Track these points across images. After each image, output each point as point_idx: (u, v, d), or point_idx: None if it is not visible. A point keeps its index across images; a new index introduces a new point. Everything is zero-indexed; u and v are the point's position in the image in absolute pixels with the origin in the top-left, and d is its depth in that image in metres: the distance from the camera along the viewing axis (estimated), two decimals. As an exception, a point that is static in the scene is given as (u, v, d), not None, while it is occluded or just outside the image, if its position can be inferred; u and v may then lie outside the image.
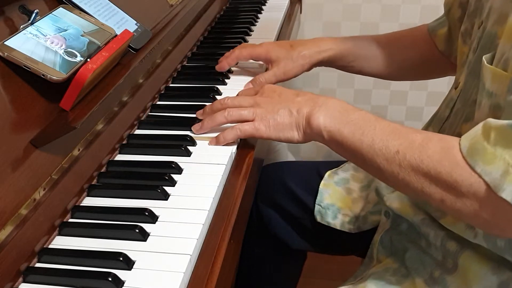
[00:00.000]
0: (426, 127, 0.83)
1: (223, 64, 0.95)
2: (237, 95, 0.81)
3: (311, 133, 0.70)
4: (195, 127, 0.77)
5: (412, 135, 0.62)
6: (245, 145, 0.77)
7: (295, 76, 0.94)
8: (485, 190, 0.55)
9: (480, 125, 0.58)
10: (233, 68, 0.99)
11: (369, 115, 0.68)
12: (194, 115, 0.82)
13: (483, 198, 0.55)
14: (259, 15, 1.31)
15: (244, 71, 0.99)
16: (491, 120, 0.56)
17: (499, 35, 0.62)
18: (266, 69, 0.96)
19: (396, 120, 1.88)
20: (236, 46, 1.08)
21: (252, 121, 0.73)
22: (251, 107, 0.74)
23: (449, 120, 0.75)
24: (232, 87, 0.93)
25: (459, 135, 0.69)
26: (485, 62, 0.61)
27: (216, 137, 0.75)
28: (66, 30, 0.68)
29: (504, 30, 0.60)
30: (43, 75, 0.61)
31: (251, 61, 0.97)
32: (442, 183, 0.58)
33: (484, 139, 0.55)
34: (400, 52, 0.97)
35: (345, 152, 0.69)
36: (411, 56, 0.96)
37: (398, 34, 1.00)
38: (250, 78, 0.95)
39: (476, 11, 0.73)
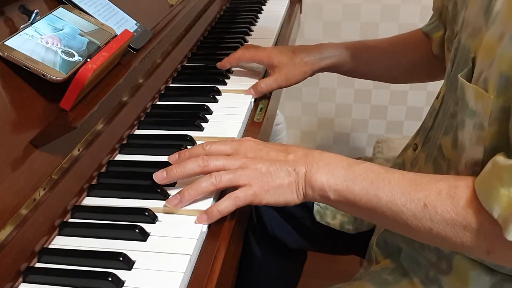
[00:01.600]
0: (415, 136, 0.82)
1: (224, 62, 0.95)
2: (207, 150, 0.66)
3: (313, 195, 0.63)
4: (171, 201, 0.62)
5: (435, 184, 0.57)
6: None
7: (296, 83, 0.94)
8: (498, 232, 0.53)
9: (490, 163, 0.55)
10: (233, 68, 0.99)
11: (375, 166, 0.62)
12: (194, 115, 0.82)
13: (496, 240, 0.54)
14: (259, 15, 1.31)
15: (244, 72, 0.99)
16: (500, 160, 0.53)
17: (472, 49, 0.60)
18: (266, 72, 0.96)
19: (396, 120, 1.88)
20: (236, 46, 1.09)
21: (244, 186, 0.62)
22: (240, 170, 0.63)
23: (433, 131, 0.75)
24: (232, 87, 0.93)
25: (440, 147, 0.69)
26: (464, 81, 0.59)
27: (207, 211, 0.61)
28: (61, 30, 0.68)
29: (480, 47, 0.58)
30: (43, 75, 0.61)
31: (254, 64, 0.97)
32: (485, 235, 0.55)
33: (498, 183, 0.52)
34: (403, 56, 0.96)
35: (359, 212, 0.63)
36: (414, 59, 0.96)
37: (400, 38, 0.99)
38: (249, 79, 0.95)
39: (454, 19, 0.72)
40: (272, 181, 0.63)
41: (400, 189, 0.58)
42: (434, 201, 0.56)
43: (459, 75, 0.60)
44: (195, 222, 0.60)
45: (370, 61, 0.97)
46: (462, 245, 0.56)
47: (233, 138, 0.76)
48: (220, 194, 0.66)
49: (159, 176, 0.64)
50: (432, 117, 0.75)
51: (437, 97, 0.75)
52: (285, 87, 0.94)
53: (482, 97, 0.56)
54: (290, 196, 0.63)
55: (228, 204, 0.61)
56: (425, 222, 0.56)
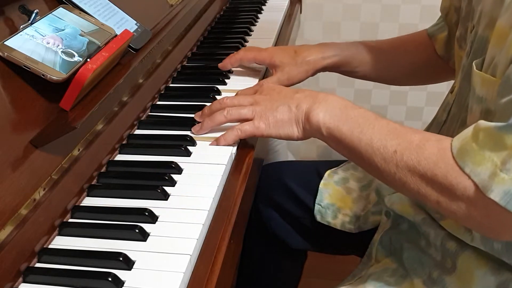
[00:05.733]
0: (427, 130, 0.83)
1: (226, 63, 0.95)
2: (236, 94, 0.81)
3: (310, 129, 0.70)
4: (195, 128, 0.77)
5: (410, 135, 0.62)
6: (245, 145, 0.77)
7: (299, 82, 0.94)
8: (475, 191, 0.55)
9: (472, 127, 0.58)
10: (233, 68, 0.99)
11: (368, 113, 0.67)
12: (194, 115, 0.82)
13: (474, 199, 0.56)
14: (259, 15, 1.31)
15: (244, 72, 0.99)
16: (481, 122, 0.57)
17: (490, 39, 0.62)
18: (267, 72, 0.96)
19: (396, 120, 1.87)
20: (236, 46, 1.09)
21: (251, 119, 0.72)
22: (250, 106, 0.73)
23: (447, 124, 0.76)
24: (232, 87, 0.93)
25: None
26: (475, 68, 0.61)
27: (217, 138, 0.74)
28: (63, 30, 0.68)
29: (493, 34, 0.60)
30: (43, 75, 0.61)
31: (254, 64, 0.97)
32: (437, 185, 0.58)
33: (473, 141, 0.56)
34: (404, 57, 0.97)
35: (343, 150, 0.69)
36: (414, 61, 0.96)
37: (401, 39, 1.00)
38: (250, 78, 0.95)
39: (468, 16, 0.73)
40: (275, 116, 0.71)
41: (379, 135, 0.63)
42: (403, 148, 0.61)
43: (474, 62, 0.62)
44: (209, 145, 0.74)
45: (371, 62, 0.97)
46: (418, 192, 0.60)
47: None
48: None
49: (195, 128, 0.77)
50: (446, 111, 0.76)
51: (451, 91, 0.76)
52: (287, 86, 0.94)
53: (488, 82, 0.58)
54: (290, 130, 0.71)
55: (232, 134, 0.73)
56: (391, 167, 0.62)
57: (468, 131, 0.58)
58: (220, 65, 0.96)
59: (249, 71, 0.98)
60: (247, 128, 0.72)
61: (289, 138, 0.72)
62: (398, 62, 0.97)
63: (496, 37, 0.59)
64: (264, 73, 0.98)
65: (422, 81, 1.08)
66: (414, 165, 0.60)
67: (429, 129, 0.82)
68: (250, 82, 0.93)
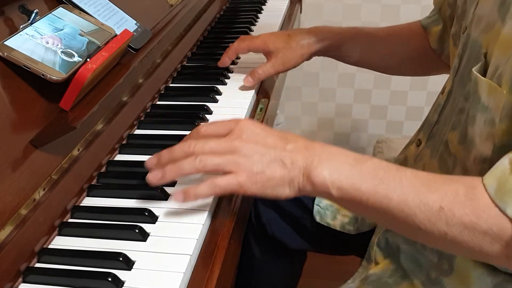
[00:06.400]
0: (418, 132, 0.82)
1: (224, 59, 0.95)
2: (202, 130, 0.63)
3: (312, 190, 0.58)
4: (153, 176, 0.59)
5: (451, 185, 0.53)
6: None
7: (294, 67, 0.92)
8: None
9: (506, 160, 0.52)
10: (233, 68, 0.99)
11: (384, 163, 0.57)
12: (193, 115, 0.82)
13: None
14: (259, 15, 1.31)
15: (245, 71, 0.99)
16: None
17: (484, 45, 0.60)
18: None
19: (396, 120, 1.88)
20: (236, 45, 1.09)
21: (231, 172, 0.58)
22: (229, 154, 0.58)
23: (438, 126, 0.75)
24: (232, 87, 0.93)
25: (446, 143, 0.68)
26: (479, 75, 0.58)
27: (185, 191, 0.58)
28: (62, 30, 0.68)
29: (496, 43, 0.57)
30: (43, 75, 0.61)
31: (252, 54, 0.97)
32: (480, 232, 0.51)
33: None
34: (398, 46, 0.96)
35: (364, 211, 0.59)
36: (409, 50, 0.95)
37: (397, 28, 0.99)
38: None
39: (464, 14, 0.72)
40: (262, 172, 0.57)
41: (413, 190, 0.53)
42: (451, 203, 0.52)
43: (473, 69, 0.59)
44: (173, 199, 0.57)
45: (364, 48, 0.96)
46: (480, 250, 0.52)
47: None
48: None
49: (148, 163, 0.62)
50: (437, 113, 0.75)
51: (442, 92, 0.75)
52: (283, 72, 0.93)
53: (495, 91, 0.55)
54: (281, 190, 0.58)
55: (206, 190, 0.58)
56: (440, 226, 0.52)
57: (504, 166, 0.52)
58: (219, 62, 0.95)
59: (249, 71, 0.98)
60: (227, 184, 0.57)
61: (276, 199, 0.59)
62: (392, 50, 0.96)
63: (501, 46, 0.56)
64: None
65: (413, 72, 1.07)
66: (471, 220, 0.51)
67: (421, 130, 0.81)
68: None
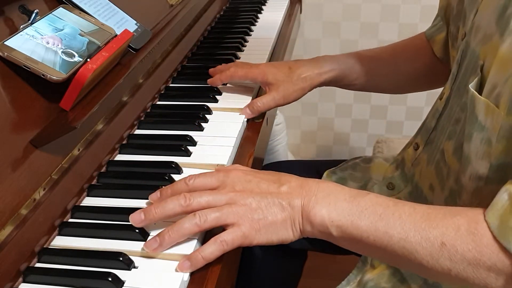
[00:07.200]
0: (416, 135, 0.81)
1: (216, 80, 0.90)
2: (191, 186, 0.60)
3: (312, 231, 0.57)
4: (150, 244, 0.56)
5: (451, 218, 0.52)
6: (245, 145, 0.77)
7: (295, 100, 0.89)
8: None
9: (505, 195, 0.51)
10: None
11: (381, 198, 0.57)
12: (194, 115, 0.82)
13: None
14: (259, 15, 1.31)
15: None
16: None
17: (481, 56, 0.59)
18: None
19: (396, 120, 1.88)
20: (236, 46, 1.09)
21: (232, 224, 0.56)
22: (227, 206, 0.57)
23: (435, 132, 0.74)
24: (232, 87, 0.93)
25: (442, 152, 0.68)
26: (476, 93, 0.57)
27: (190, 257, 0.55)
28: (62, 30, 0.68)
29: (495, 59, 0.55)
30: (43, 75, 0.61)
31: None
32: (484, 267, 0.51)
33: None
34: (404, 65, 0.93)
35: (365, 249, 0.58)
36: (416, 67, 0.93)
37: (400, 45, 0.96)
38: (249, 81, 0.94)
39: (460, 15, 0.71)
40: (263, 218, 0.56)
41: (413, 225, 0.53)
42: (453, 238, 0.51)
43: (469, 86, 0.58)
44: (176, 270, 0.54)
45: (370, 72, 0.93)
46: (486, 285, 0.51)
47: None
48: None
49: (136, 219, 0.57)
50: (435, 118, 0.74)
51: (440, 98, 0.74)
52: (282, 105, 0.89)
53: (492, 112, 0.54)
54: (285, 234, 0.58)
55: (213, 249, 0.55)
56: (443, 262, 0.51)
57: (503, 202, 0.51)
58: (209, 80, 0.90)
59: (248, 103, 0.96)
60: (233, 238, 0.55)
61: (281, 243, 0.58)
62: (399, 70, 0.94)
63: (499, 64, 0.54)
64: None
65: (425, 87, 1.03)
66: (476, 257, 0.50)
67: (418, 133, 0.80)
68: (250, 83, 0.92)
